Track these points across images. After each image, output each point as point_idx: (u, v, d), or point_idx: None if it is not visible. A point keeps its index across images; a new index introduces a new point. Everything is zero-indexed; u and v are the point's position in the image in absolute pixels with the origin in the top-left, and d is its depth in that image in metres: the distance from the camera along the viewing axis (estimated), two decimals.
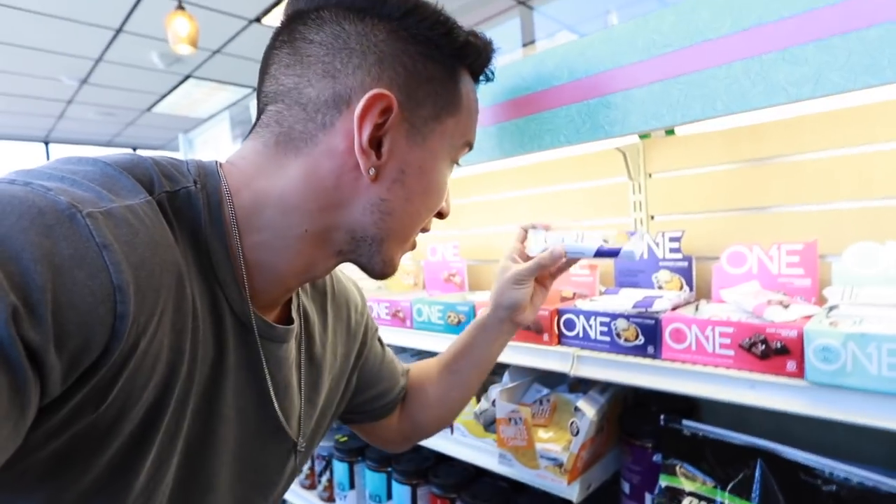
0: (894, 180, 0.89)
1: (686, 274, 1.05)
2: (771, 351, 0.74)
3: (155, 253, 0.40)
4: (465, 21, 0.55)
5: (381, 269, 0.57)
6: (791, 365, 0.72)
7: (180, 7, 3.36)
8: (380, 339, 0.85)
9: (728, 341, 0.78)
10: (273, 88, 0.52)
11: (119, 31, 4.13)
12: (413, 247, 0.61)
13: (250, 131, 0.54)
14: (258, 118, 0.53)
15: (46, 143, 7.10)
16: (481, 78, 0.61)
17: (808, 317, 0.79)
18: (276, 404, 0.57)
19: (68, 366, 0.34)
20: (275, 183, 0.50)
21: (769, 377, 0.73)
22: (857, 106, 0.90)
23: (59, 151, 7.13)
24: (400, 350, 1.42)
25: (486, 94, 0.90)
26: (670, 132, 0.76)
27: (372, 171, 0.51)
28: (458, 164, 0.61)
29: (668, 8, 0.61)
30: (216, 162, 0.52)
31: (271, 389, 0.56)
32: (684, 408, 1.07)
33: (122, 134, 7.17)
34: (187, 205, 0.47)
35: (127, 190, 0.41)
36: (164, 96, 5.74)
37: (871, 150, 0.91)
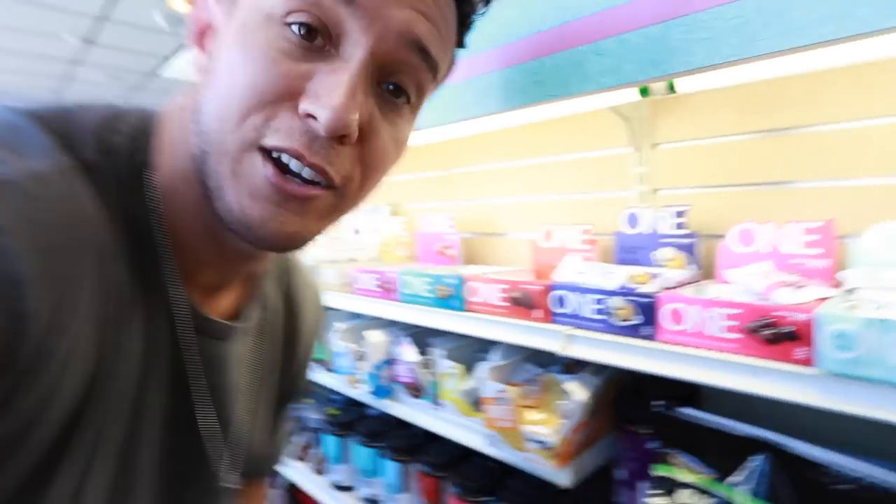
0: None
1: (691, 251, 0.97)
2: (780, 336, 0.66)
3: (67, 231, 0.33)
4: None
5: (231, 217, 0.38)
6: (801, 352, 0.65)
7: None
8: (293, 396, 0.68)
9: (733, 324, 0.70)
10: None
11: None
12: (271, 185, 0.37)
13: None
14: None
15: None
16: None
17: (823, 300, 0.71)
18: (198, 421, 0.47)
19: None
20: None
21: (777, 364, 0.66)
22: (885, 59, 0.79)
23: None
24: (389, 323, 1.37)
25: (476, 40, 0.81)
26: (671, 88, 0.67)
27: (198, 72, 0.41)
28: (306, 22, 0.37)
29: None
30: (160, 110, 0.44)
31: (193, 399, 0.46)
32: (684, 394, 1.01)
33: (131, 99, 7.14)
34: (116, 167, 0.39)
35: (35, 148, 0.34)
36: (167, 59, 5.65)
37: None
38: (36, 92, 6.68)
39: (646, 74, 0.56)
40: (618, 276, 0.87)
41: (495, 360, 1.03)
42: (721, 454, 0.79)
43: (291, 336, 0.62)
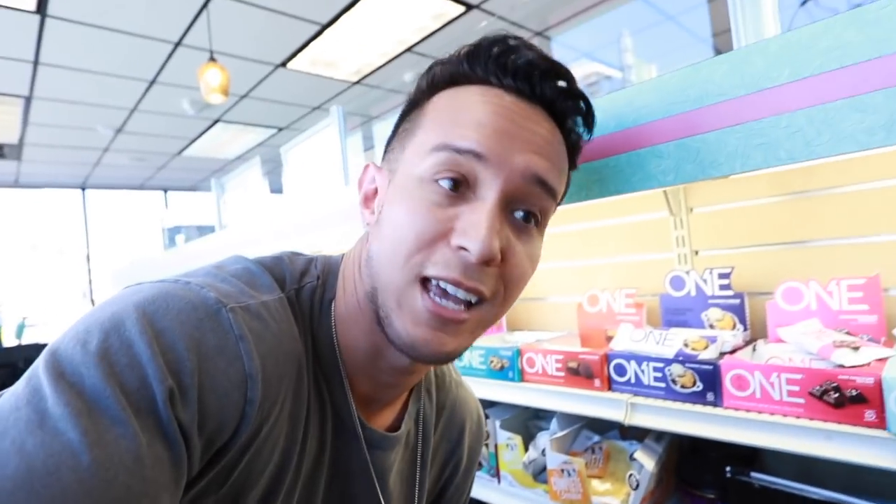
0: None
1: (739, 312, 1.02)
2: (846, 399, 0.70)
3: (280, 344, 0.43)
4: None
5: (400, 341, 0.45)
6: (870, 414, 0.68)
7: (212, 59, 3.49)
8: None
9: (796, 388, 0.74)
10: None
11: (153, 82, 4.32)
12: (430, 312, 0.44)
13: None
14: None
15: (83, 189, 7.38)
16: (500, 75, 0.47)
17: (883, 360, 0.74)
18: None
19: (206, 445, 0.38)
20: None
21: (847, 427, 0.69)
22: None
23: (95, 197, 7.40)
24: None
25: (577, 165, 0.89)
26: None
27: (367, 226, 0.52)
28: (451, 178, 0.44)
29: (719, 57, 0.60)
30: (342, 256, 0.55)
31: (354, 495, 0.53)
32: (745, 454, 1.02)
33: (153, 178, 7.42)
34: (309, 300, 0.50)
35: (265, 287, 0.47)
36: (193, 140, 5.94)
37: None
38: (67, 179, 6.97)
39: (706, 174, 0.62)
40: (674, 342, 0.91)
41: (554, 429, 1.05)
42: None
43: (451, 445, 0.67)
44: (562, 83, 0.49)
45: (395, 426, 0.57)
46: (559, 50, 4.56)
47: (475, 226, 0.42)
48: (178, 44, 3.76)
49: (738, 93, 0.58)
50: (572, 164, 0.55)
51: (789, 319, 0.94)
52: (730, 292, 1.02)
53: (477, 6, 3.73)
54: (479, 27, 3.99)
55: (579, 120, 0.53)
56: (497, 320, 0.50)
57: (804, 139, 0.54)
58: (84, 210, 7.37)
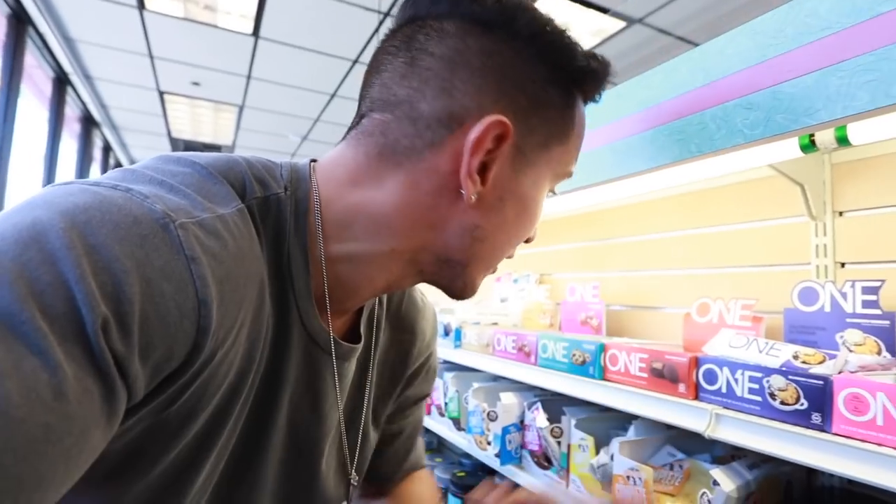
0: None
1: (886, 336, 0.82)
2: None
3: (240, 265, 0.40)
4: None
5: (460, 292, 0.53)
6: None
7: None
8: (420, 400, 0.75)
9: None
10: (382, 96, 0.49)
11: (333, 95, 4.95)
12: (495, 270, 0.58)
13: (347, 133, 0.52)
14: (358, 121, 0.51)
15: None
16: (597, 97, 0.55)
17: None
18: (343, 434, 0.56)
19: (150, 375, 0.35)
20: (371, 196, 0.48)
21: None
22: None
23: None
24: (526, 388, 1.35)
25: (609, 110, 0.85)
26: (844, 141, 0.61)
27: (474, 197, 0.47)
28: (554, 192, 0.57)
29: None
30: (310, 165, 0.51)
31: (341, 413, 0.55)
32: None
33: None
34: (276, 212, 0.46)
35: (220, 197, 0.41)
36: None
37: None
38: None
39: (800, 123, 0.53)
40: (782, 353, 0.77)
41: (630, 434, 0.96)
42: None
43: (404, 348, 0.67)
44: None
45: (351, 332, 0.57)
46: None
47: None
48: (355, 61, 4.26)
49: (843, 24, 0.49)
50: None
51: None
52: (876, 311, 0.83)
53: (640, 20, 3.58)
54: (641, 42, 3.83)
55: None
56: None
57: None
58: None
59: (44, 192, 0.35)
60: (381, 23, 3.67)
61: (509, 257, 0.56)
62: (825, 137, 0.62)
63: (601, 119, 0.85)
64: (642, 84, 0.77)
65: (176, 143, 6.71)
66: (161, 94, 5.09)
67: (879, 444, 0.61)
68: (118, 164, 7.64)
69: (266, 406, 0.48)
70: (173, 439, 0.40)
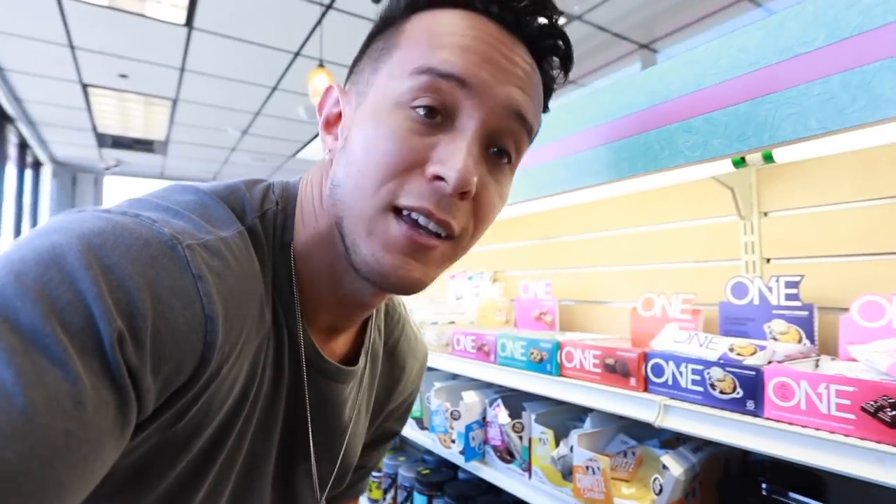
0: None
1: (806, 325, 0.92)
2: None
3: (242, 283, 0.41)
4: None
5: (367, 268, 0.44)
6: None
7: (321, 65, 3.81)
8: (391, 438, 0.77)
9: (847, 402, 0.65)
10: None
11: (274, 88, 4.80)
12: (405, 238, 0.44)
13: None
14: None
15: None
16: (486, 1, 0.46)
17: None
18: (311, 453, 0.55)
19: (161, 388, 0.36)
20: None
21: None
22: None
23: None
24: (485, 385, 1.40)
25: (569, 123, 0.89)
26: (769, 158, 0.68)
27: (328, 153, 0.49)
28: (430, 105, 0.44)
29: (756, 24, 0.57)
30: (301, 179, 0.53)
31: (310, 431, 0.54)
32: (806, 483, 0.91)
33: (271, 177, 8.20)
34: (270, 230, 0.48)
35: (222, 221, 0.44)
36: (306, 144, 6.48)
37: None
38: (200, 174, 7.93)
39: (733, 148, 0.59)
40: (719, 346, 0.85)
41: (587, 427, 1.02)
42: None
43: (392, 383, 0.69)
44: (544, 20, 0.48)
45: (350, 358, 0.58)
46: None
47: (453, 155, 0.42)
48: (297, 54, 4.15)
49: (770, 60, 0.55)
50: (545, 107, 0.53)
51: (866, 337, 0.83)
52: (797, 303, 0.93)
53: (578, 17, 3.69)
54: (579, 39, 3.95)
55: (556, 62, 0.51)
56: (459, 257, 0.49)
57: (837, 106, 0.50)
58: None
59: (58, 218, 0.36)
60: (323, 14, 3.59)
61: (427, 213, 0.43)
62: (754, 157, 0.69)
63: (553, 133, 0.90)
64: (593, 101, 0.82)
65: (103, 139, 6.30)
66: (84, 86, 4.75)
67: (803, 426, 0.69)
68: (37, 162, 7.07)
69: (267, 423, 0.50)
70: (180, 454, 0.41)
